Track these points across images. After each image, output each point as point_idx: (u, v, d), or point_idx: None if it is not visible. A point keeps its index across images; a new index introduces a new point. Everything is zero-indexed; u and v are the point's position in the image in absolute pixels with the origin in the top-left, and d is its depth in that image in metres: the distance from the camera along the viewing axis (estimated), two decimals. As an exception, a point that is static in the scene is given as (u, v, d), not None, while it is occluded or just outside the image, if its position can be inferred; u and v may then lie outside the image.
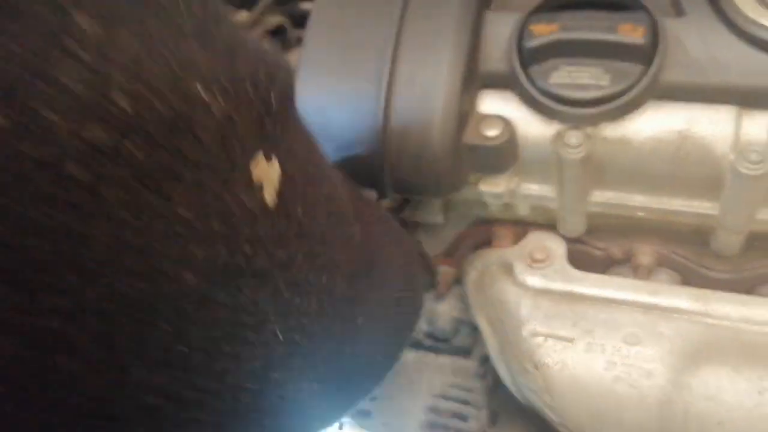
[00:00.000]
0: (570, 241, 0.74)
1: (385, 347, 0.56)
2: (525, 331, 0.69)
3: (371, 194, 0.67)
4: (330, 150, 0.66)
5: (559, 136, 0.63)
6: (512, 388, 0.72)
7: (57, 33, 0.24)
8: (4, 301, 0.24)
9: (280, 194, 0.35)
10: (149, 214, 0.27)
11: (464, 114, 0.64)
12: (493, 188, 0.67)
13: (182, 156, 0.28)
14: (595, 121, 0.62)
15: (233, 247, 0.32)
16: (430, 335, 0.88)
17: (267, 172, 0.34)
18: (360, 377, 0.51)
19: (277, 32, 0.94)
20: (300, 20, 0.86)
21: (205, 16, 0.31)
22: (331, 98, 0.66)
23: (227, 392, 0.34)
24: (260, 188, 0.34)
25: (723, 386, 0.62)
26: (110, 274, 0.26)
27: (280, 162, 0.35)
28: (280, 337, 0.36)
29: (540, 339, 0.68)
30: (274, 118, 0.35)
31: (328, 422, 0.49)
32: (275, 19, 0.92)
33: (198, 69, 0.29)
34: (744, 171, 0.58)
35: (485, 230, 0.78)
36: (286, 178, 0.36)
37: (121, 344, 0.28)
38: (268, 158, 0.34)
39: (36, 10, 0.24)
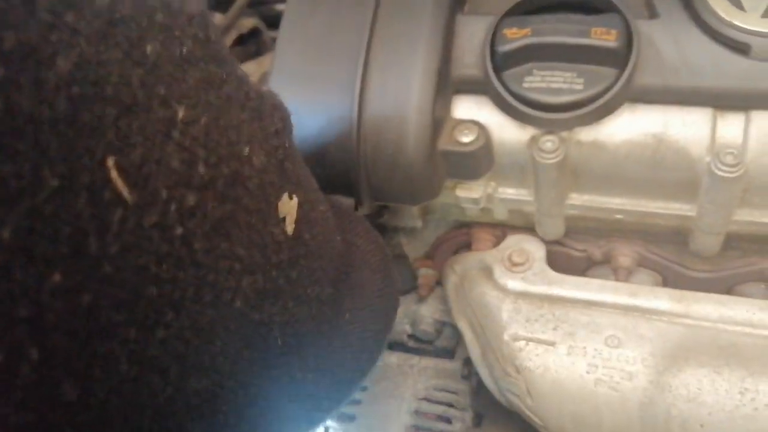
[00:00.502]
0: (549, 243, 0.73)
1: (373, 334, 0.59)
2: (506, 335, 0.68)
3: (343, 200, 0.67)
4: (307, 158, 0.66)
5: (533, 141, 0.63)
6: (495, 392, 0.72)
7: (169, 128, 0.31)
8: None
9: (297, 222, 0.42)
10: (219, 256, 0.34)
11: (438, 120, 0.63)
12: (469, 194, 0.67)
13: (239, 204, 0.36)
14: (570, 125, 0.62)
15: (266, 273, 0.39)
16: (413, 337, 0.88)
17: (288, 206, 0.41)
18: (351, 364, 0.56)
19: (252, 35, 0.93)
20: (274, 22, 0.85)
21: (249, 91, 0.39)
22: (304, 106, 0.65)
23: (240, 388, 0.40)
24: (283, 220, 0.41)
25: (704, 388, 0.62)
26: (191, 307, 0.33)
27: (296, 194, 0.42)
28: (279, 342, 0.42)
29: (521, 343, 0.68)
30: (291, 160, 0.43)
31: (323, 412, 0.53)
32: (249, 22, 0.91)
33: (245, 134, 0.37)
34: (720, 174, 0.58)
35: (464, 233, 0.78)
36: (300, 208, 0.43)
37: (187, 360, 0.34)
38: (290, 196, 0.42)
39: (155, 111, 0.30)
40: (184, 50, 0.33)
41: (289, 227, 0.41)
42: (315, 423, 0.52)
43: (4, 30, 0.24)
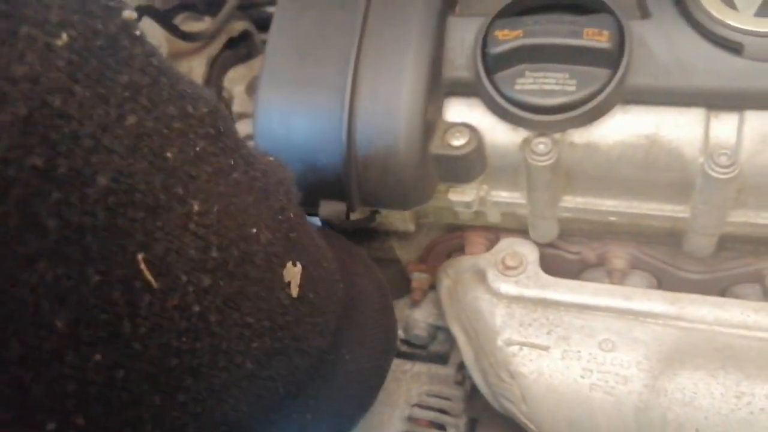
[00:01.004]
0: (542, 245, 0.73)
1: (372, 370, 0.61)
2: (500, 340, 0.68)
3: (335, 206, 0.66)
4: (295, 163, 0.65)
5: (526, 144, 0.62)
6: (489, 397, 0.71)
7: (186, 221, 0.34)
8: None
9: (301, 286, 0.45)
10: (231, 325, 0.38)
11: (430, 124, 0.63)
12: (462, 197, 0.66)
13: (247, 278, 0.39)
14: (563, 127, 0.61)
15: (273, 335, 0.42)
16: (406, 342, 0.87)
17: (293, 272, 0.44)
18: (350, 401, 0.59)
19: (243, 38, 0.92)
20: (265, 25, 0.85)
21: (255, 173, 0.42)
22: (295, 111, 0.64)
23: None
24: (288, 285, 0.44)
25: (700, 391, 0.61)
26: (207, 372, 0.37)
27: (300, 260, 0.45)
28: (281, 390, 0.45)
29: (515, 348, 0.67)
30: (296, 228, 0.46)
31: None
32: (239, 25, 0.90)
33: (252, 215, 0.40)
34: (714, 175, 0.58)
35: (457, 237, 0.77)
36: (304, 270, 0.45)
37: (203, 417, 0.38)
38: (294, 263, 0.44)
39: (175, 209, 0.34)
40: (198, 149, 0.36)
41: (294, 291, 0.44)
42: None
43: (54, 157, 0.28)
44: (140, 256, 0.31)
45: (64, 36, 0.29)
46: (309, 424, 0.52)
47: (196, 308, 0.35)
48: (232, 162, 0.40)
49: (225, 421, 0.40)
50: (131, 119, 0.32)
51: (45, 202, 0.27)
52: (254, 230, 0.40)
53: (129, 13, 0.34)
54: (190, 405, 0.36)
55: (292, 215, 0.46)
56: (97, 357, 0.30)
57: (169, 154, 0.34)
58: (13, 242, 0.27)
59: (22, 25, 0.27)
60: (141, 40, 0.34)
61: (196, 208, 0.35)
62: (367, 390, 0.62)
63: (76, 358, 0.29)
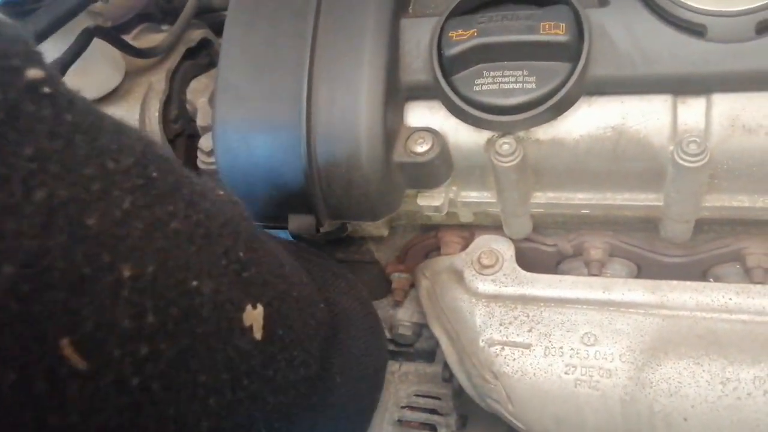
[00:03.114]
0: (518, 240, 0.71)
1: (365, 391, 0.60)
2: (481, 341, 0.67)
3: (303, 220, 0.65)
4: (259, 179, 0.64)
5: (490, 145, 0.60)
6: (475, 398, 0.71)
7: (116, 289, 0.31)
8: None
9: (265, 327, 0.41)
10: (179, 389, 0.35)
11: (391, 130, 0.61)
12: (431, 202, 0.65)
13: (194, 335, 0.35)
14: (526, 125, 0.59)
15: (237, 386, 0.39)
16: (392, 341, 0.86)
17: (253, 315, 0.41)
18: (345, 424, 0.58)
19: (202, 46, 0.90)
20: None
21: (198, 216, 0.38)
22: (253, 127, 0.63)
23: None
24: (250, 329, 0.40)
25: (685, 380, 0.60)
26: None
27: (260, 301, 0.41)
28: (266, 428, 0.43)
29: (497, 348, 0.66)
30: (249, 269, 0.41)
31: None
32: (198, 34, 0.87)
33: (194, 268, 0.36)
34: (684, 164, 0.56)
35: (433, 236, 0.75)
36: (267, 311, 0.42)
37: None
38: (253, 306, 0.41)
39: (102, 280, 0.30)
40: (125, 206, 0.32)
41: (258, 333, 0.41)
42: None
43: None
44: (64, 341, 0.28)
45: None
46: None
47: (135, 381, 0.31)
48: (171, 209, 0.36)
49: None
50: (40, 193, 0.28)
51: None
52: (195, 283, 0.36)
53: (35, 72, 0.30)
54: None
55: (242, 254, 0.41)
56: None
57: (90, 221, 0.30)
58: None
59: None
60: (51, 98, 0.30)
61: (127, 273, 0.31)
62: (360, 413, 0.60)
63: None
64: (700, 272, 0.70)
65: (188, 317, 0.35)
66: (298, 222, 0.65)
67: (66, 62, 0.69)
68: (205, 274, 0.37)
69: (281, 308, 0.45)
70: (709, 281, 0.70)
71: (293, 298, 0.48)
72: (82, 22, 0.73)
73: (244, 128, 0.63)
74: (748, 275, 0.67)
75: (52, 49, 0.70)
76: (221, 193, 0.44)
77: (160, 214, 0.35)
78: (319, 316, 0.52)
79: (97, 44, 0.74)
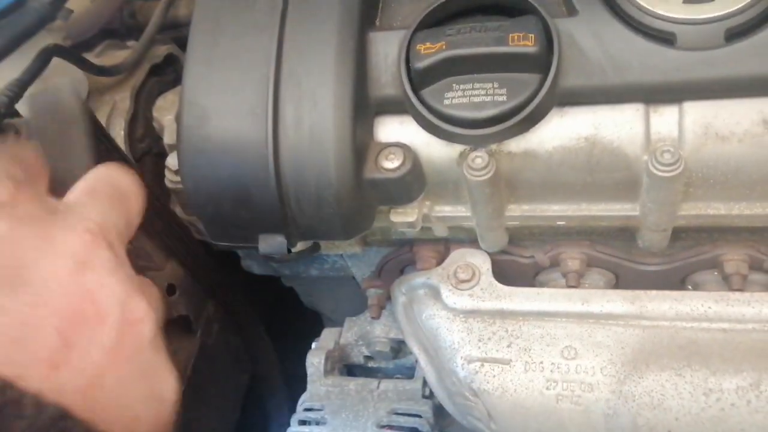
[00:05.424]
0: (494, 253, 0.70)
1: None
2: (460, 358, 0.65)
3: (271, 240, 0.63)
4: (228, 199, 0.62)
5: (462, 158, 0.59)
6: (456, 416, 0.70)
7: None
8: None
9: None
10: None
11: (361, 146, 0.60)
12: (404, 218, 0.63)
13: None
14: (497, 138, 0.58)
15: None
16: (370, 358, 0.85)
17: None
18: None
19: (168, 62, 0.88)
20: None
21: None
22: (217, 146, 0.61)
23: None
24: None
25: (668, 393, 0.60)
26: None
27: None
28: None
29: (476, 364, 0.65)
30: None
31: None
32: (162, 50, 0.86)
33: None
34: (659, 174, 0.55)
35: (408, 251, 0.74)
36: None
37: None
38: None
39: None
40: None
41: None
42: None
43: None
44: None
45: None
46: None
47: None
48: None
49: None
50: None
51: None
52: None
53: None
54: None
55: None
56: None
57: None
58: None
59: None
60: None
61: None
62: None
63: None
64: (679, 280, 0.69)
65: None
66: (269, 242, 0.63)
67: (24, 83, 0.67)
68: None
69: None
70: (688, 289, 0.69)
71: None
72: (42, 41, 0.71)
73: (210, 147, 0.61)
74: (727, 282, 0.66)
75: (9, 70, 0.68)
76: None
77: None
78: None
79: (60, 63, 0.72)
